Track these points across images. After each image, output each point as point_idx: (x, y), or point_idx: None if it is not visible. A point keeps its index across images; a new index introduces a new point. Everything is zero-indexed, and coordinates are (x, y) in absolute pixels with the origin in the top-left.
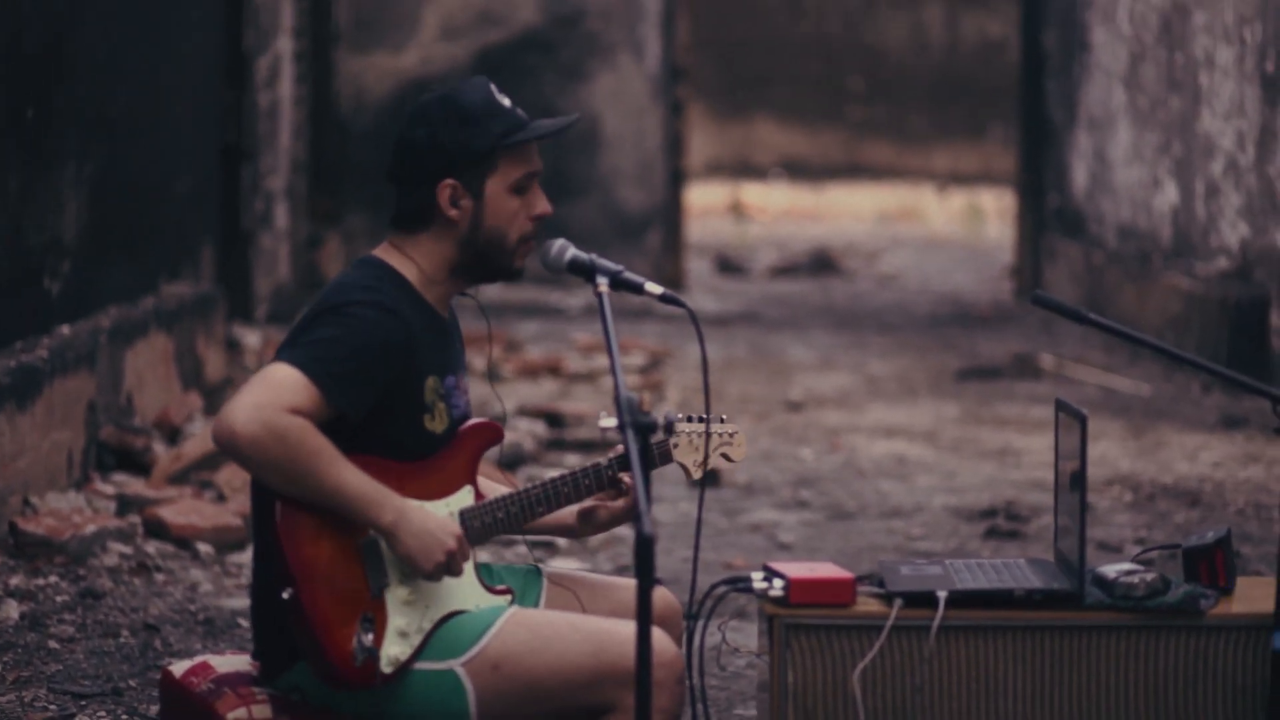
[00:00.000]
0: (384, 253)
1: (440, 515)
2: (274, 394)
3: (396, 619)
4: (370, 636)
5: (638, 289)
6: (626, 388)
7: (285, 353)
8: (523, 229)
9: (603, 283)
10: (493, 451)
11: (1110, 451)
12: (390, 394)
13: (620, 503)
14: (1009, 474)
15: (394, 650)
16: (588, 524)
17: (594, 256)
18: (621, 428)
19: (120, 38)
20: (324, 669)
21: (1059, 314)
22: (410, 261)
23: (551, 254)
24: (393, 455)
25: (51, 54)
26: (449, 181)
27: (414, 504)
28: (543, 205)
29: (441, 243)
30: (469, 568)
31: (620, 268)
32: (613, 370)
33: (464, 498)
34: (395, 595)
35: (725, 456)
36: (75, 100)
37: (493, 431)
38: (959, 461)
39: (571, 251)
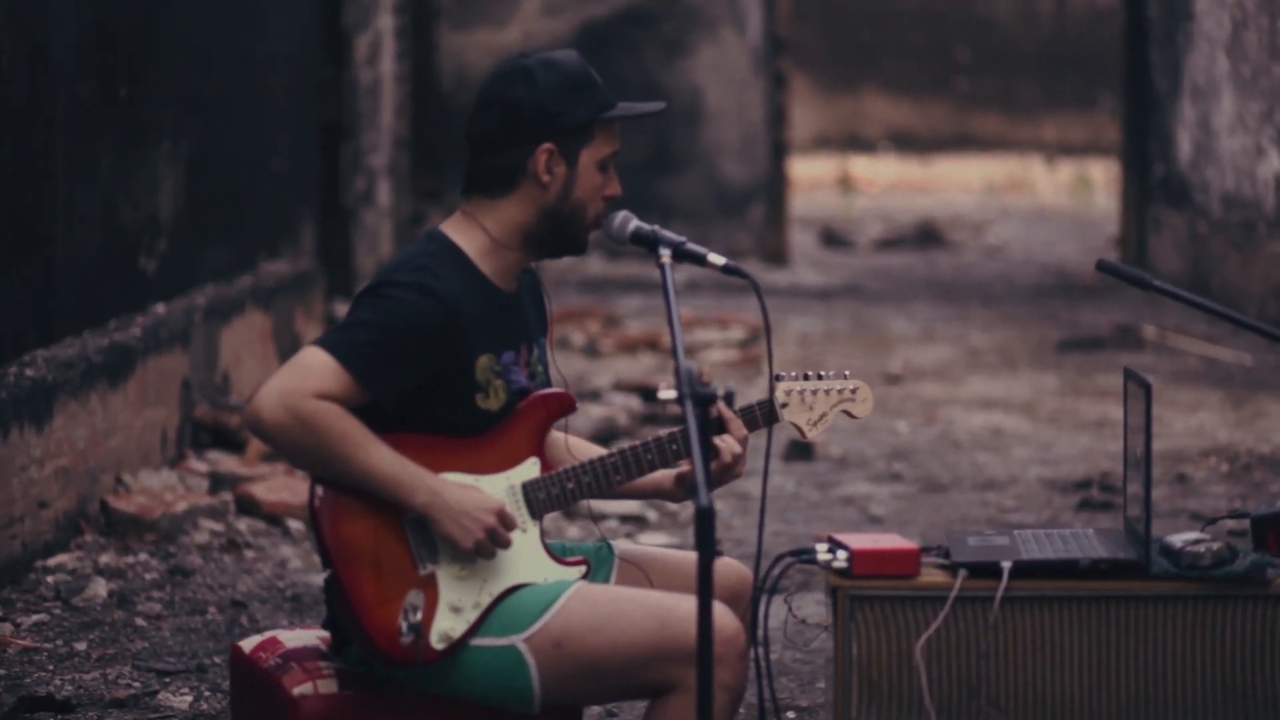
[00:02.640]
0: (451, 224)
1: (483, 492)
2: (302, 379)
3: (449, 594)
4: (419, 614)
5: (700, 260)
6: (686, 359)
7: (323, 335)
8: (599, 206)
9: (665, 253)
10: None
11: (1209, 422)
12: (437, 376)
13: (716, 464)
14: (1106, 445)
15: (445, 625)
16: (683, 487)
17: (657, 228)
18: (680, 399)
19: (216, 15)
20: (367, 647)
21: (1123, 280)
22: (480, 230)
23: (615, 226)
24: (444, 432)
25: (145, 31)
26: (548, 145)
27: (452, 482)
28: (616, 186)
29: (523, 208)
30: (534, 539)
31: (683, 239)
32: (673, 340)
33: (528, 470)
34: (447, 571)
35: (848, 413)
36: (170, 78)
37: (562, 402)
38: (1056, 433)
39: (634, 223)
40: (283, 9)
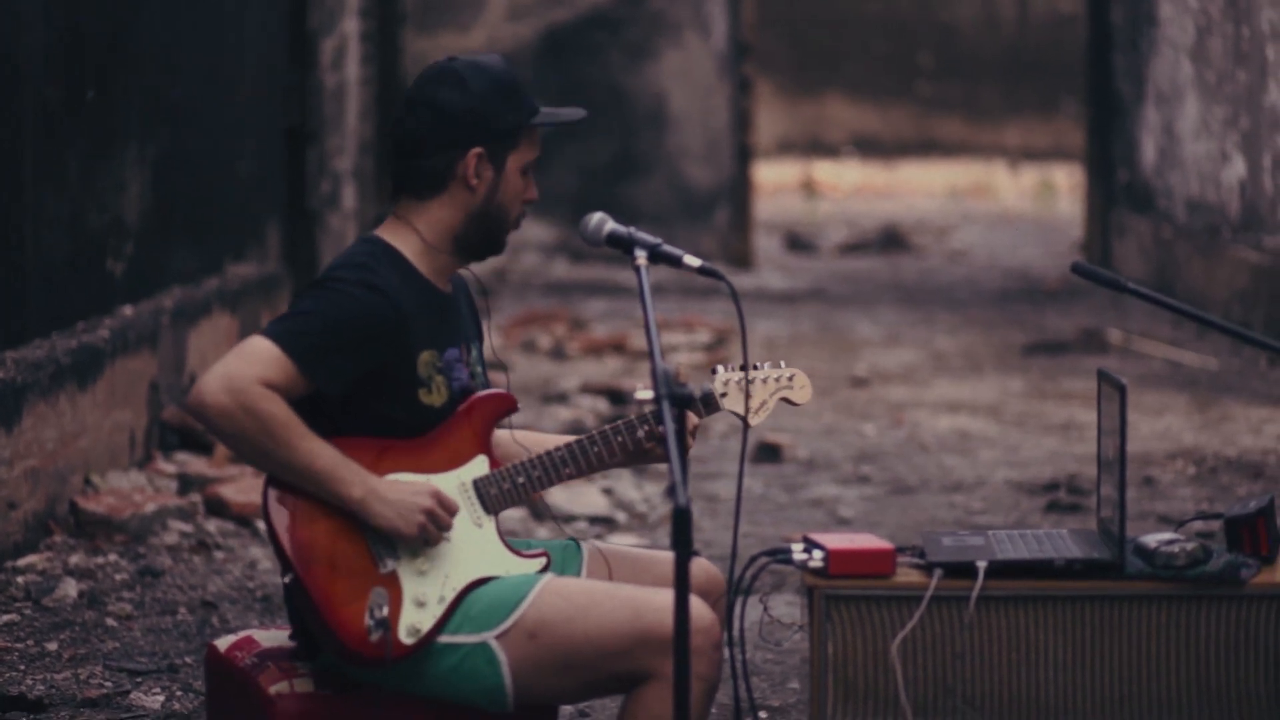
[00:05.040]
0: (385, 228)
1: (417, 481)
2: (247, 365)
3: (412, 589)
4: (384, 610)
5: (676, 262)
6: (664, 359)
7: (268, 325)
8: (519, 209)
9: (641, 255)
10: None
11: (1175, 425)
12: (382, 370)
13: (661, 447)
14: (1073, 448)
15: (412, 619)
16: (634, 457)
17: (632, 230)
18: (657, 400)
19: (183, 19)
20: (339, 649)
21: (1099, 283)
22: (413, 232)
23: (590, 227)
24: (389, 431)
25: (112, 36)
26: (477, 150)
27: (386, 477)
28: (534, 191)
29: (451, 210)
30: (492, 533)
31: (658, 240)
32: (649, 342)
33: (477, 467)
34: (408, 566)
35: (787, 400)
36: (137, 82)
37: (503, 401)
38: (1022, 436)
39: (610, 225)
40: (249, 13)
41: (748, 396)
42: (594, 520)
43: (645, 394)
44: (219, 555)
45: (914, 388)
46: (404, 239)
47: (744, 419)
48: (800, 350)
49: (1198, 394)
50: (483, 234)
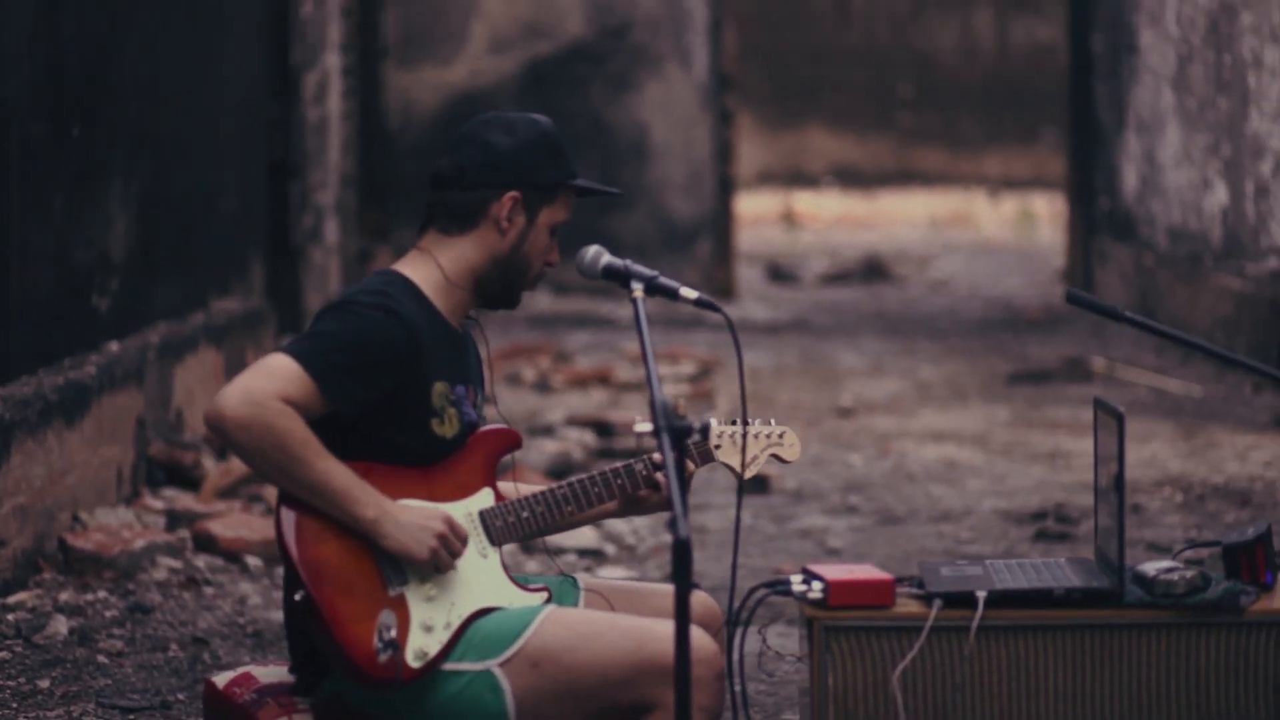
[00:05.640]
0: (404, 262)
1: (430, 506)
2: (268, 381)
3: (419, 614)
4: (392, 631)
5: (673, 294)
6: (662, 392)
7: (289, 343)
8: (539, 268)
9: (638, 288)
10: (506, 462)
11: (1161, 452)
12: (396, 396)
13: (658, 496)
14: (1059, 476)
15: (419, 643)
16: (629, 507)
17: (629, 262)
18: (657, 432)
19: (166, 55)
20: (348, 667)
21: (1094, 312)
22: (434, 265)
23: (587, 260)
24: (399, 459)
25: (96, 72)
26: (515, 194)
27: (400, 503)
28: (556, 254)
29: (477, 250)
30: (496, 565)
31: (655, 273)
32: (648, 375)
33: (483, 499)
34: (416, 591)
35: (777, 457)
36: (122, 118)
37: (509, 437)
38: (1009, 465)
39: (606, 258)
40: (232, 48)
41: (744, 443)
42: (583, 553)
43: (644, 427)
44: (209, 591)
45: (899, 417)
46: (424, 273)
47: (739, 474)
48: (785, 381)
49: (1183, 421)
50: (502, 281)
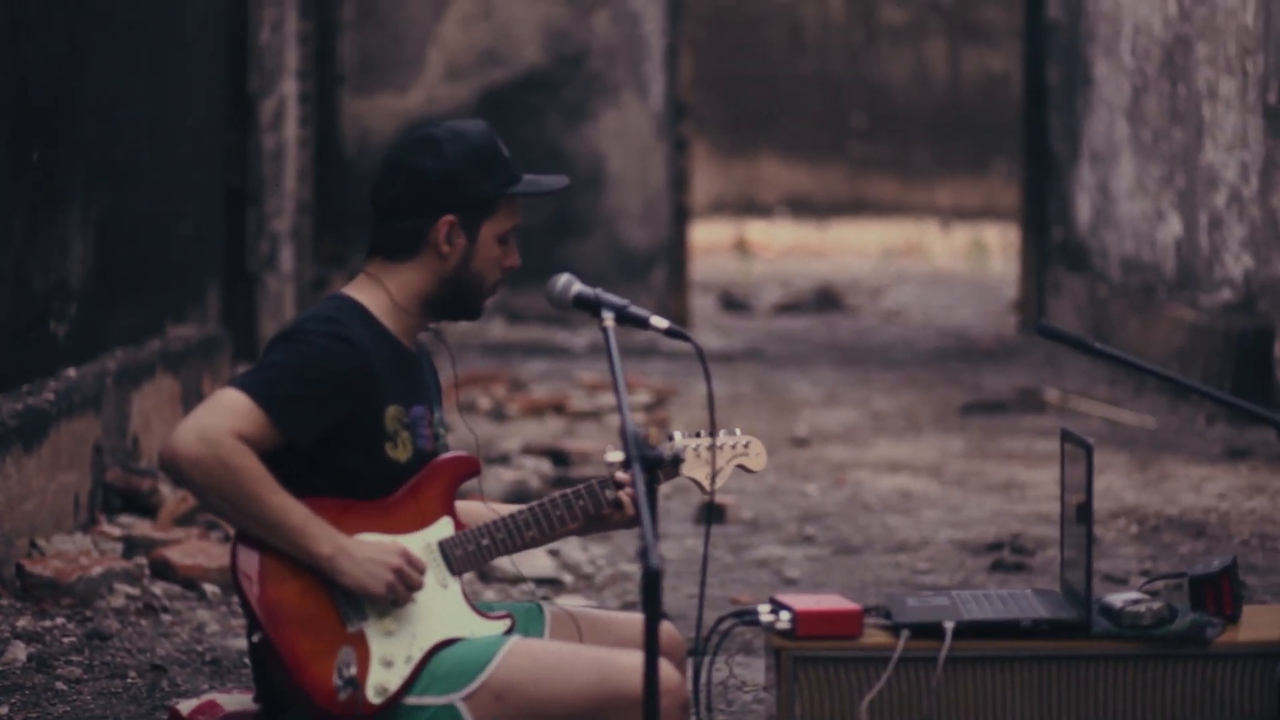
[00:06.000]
0: (354, 286)
1: (385, 541)
2: (219, 418)
3: (379, 649)
4: (352, 669)
5: (643, 323)
6: (633, 422)
7: (239, 377)
8: (496, 276)
9: (609, 317)
10: (471, 485)
11: (1115, 484)
12: (349, 422)
13: (620, 515)
14: (1014, 507)
15: (379, 679)
16: (591, 526)
17: (599, 291)
18: (628, 462)
19: (125, 81)
20: (308, 706)
21: (1065, 344)
22: (382, 290)
23: (557, 289)
24: (354, 487)
25: (57, 98)
26: (449, 218)
27: (357, 536)
28: (515, 258)
29: (422, 275)
30: (457, 595)
31: (626, 302)
32: (619, 405)
33: (442, 529)
34: (375, 627)
35: (743, 467)
36: (81, 144)
37: (467, 464)
38: (964, 495)
39: (577, 286)
40: (191, 74)
41: (714, 464)
42: (540, 582)
43: (615, 456)
44: (166, 618)
45: (854, 448)
46: (373, 297)
47: (706, 487)
48: (739, 410)
49: (1137, 452)
50: (455, 299)
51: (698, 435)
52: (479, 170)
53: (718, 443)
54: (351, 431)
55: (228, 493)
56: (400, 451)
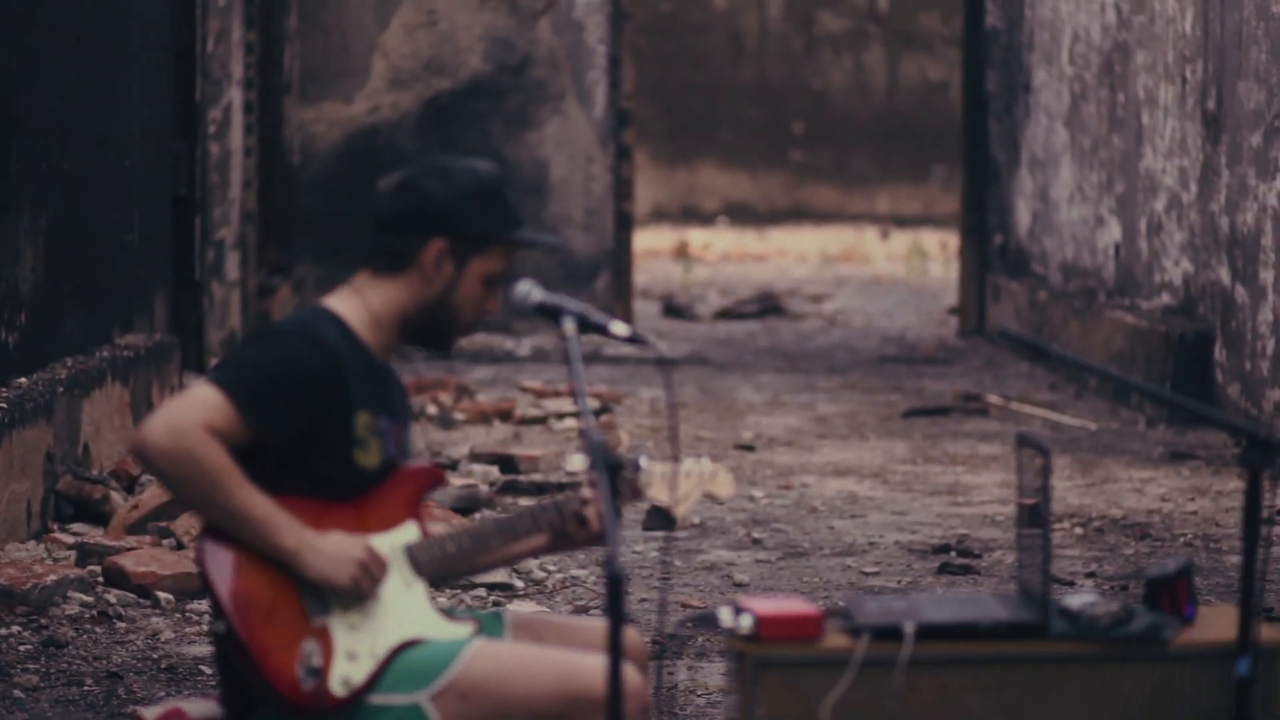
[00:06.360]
0: (336, 296)
1: (353, 538)
2: (191, 410)
3: (343, 642)
4: (316, 660)
5: (603, 330)
6: (596, 429)
7: (212, 371)
8: (474, 316)
9: (570, 325)
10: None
11: (1059, 486)
12: (320, 424)
13: (585, 533)
14: (960, 510)
15: (344, 671)
16: (556, 543)
17: (560, 298)
18: (593, 467)
19: (73, 91)
20: (272, 696)
21: (1024, 348)
22: (363, 303)
23: (518, 295)
24: (323, 490)
25: (5, 108)
26: (442, 243)
27: (320, 533)
28: (495, 304)
29: (405, 293)
30: (421, 597)
31: (585, 307)
32: (582, 412)
33: (408, 532)
34: (340, 620)
35: (710, 495)
36: (29, 153)
37: (433, 476)
38: (910, 499)
39: (538, 293)
40: (137, 84)
41: (638, 484)
42: (492, 587)
43: (577, 463)
44: (121, 626)
45: (800, 452)
46: (352, 307)
47: (670, 511)
48: (686, 416)
49: (1080, 456)
50: (430, 326)
51: (666, 461)
52: (481, 206)
53: (685, 470)
54: (322, 434)
55: (195, 484)
56: (369, 458)
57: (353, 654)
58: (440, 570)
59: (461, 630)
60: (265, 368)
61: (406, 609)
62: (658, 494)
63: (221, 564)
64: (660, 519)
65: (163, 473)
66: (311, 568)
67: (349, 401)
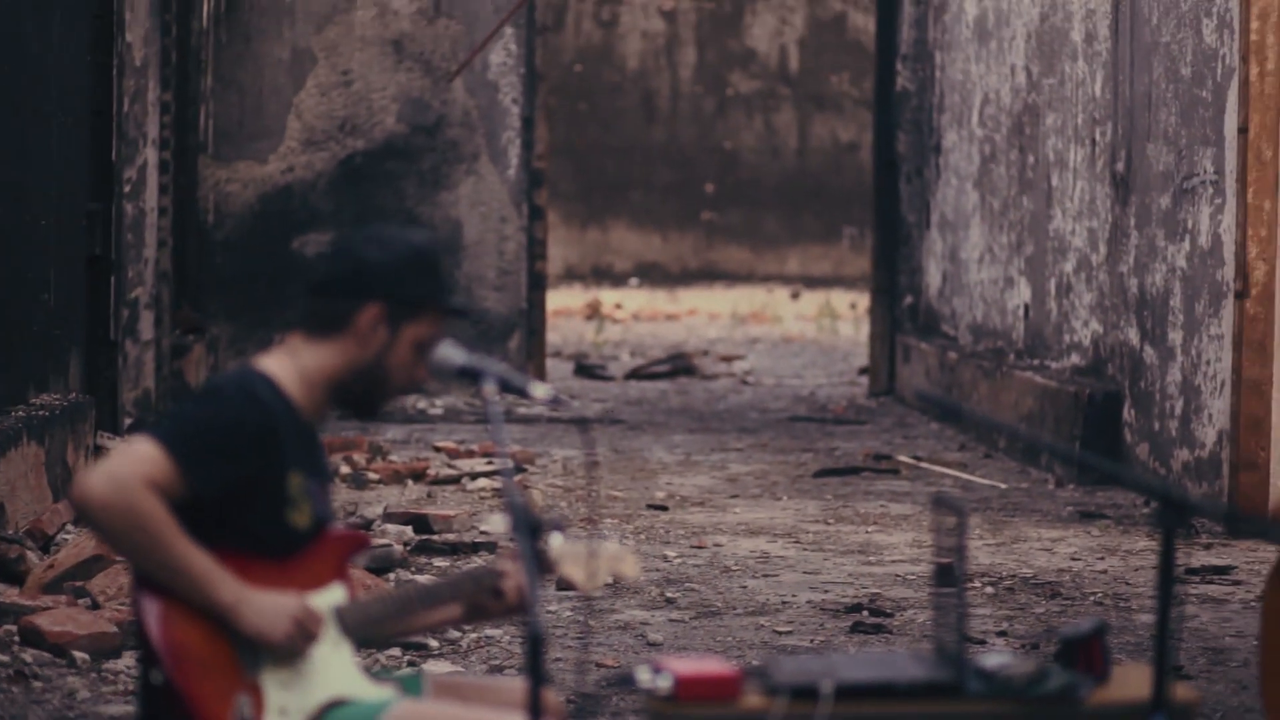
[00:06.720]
0: (269, 356)
1: (288, 596)
2: (132, 464)
3: (275, 698)
4: (249, 713)
5: (524, 393)
6: (517, 491)
7: (152, 426)
8: (402, 383)
9: (491, 388)
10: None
11: (970, 545)
12: (254, 482)
13: (501, 605)
14: (871, 569)
15: None
16: (473, 614)
17: (481, 360)
18: (515, 530)
19: None
20: None
21: (940, 409)
22: (295, 363)
23: (438, 358)
24: (255, 548)
25: None
26: (377, 307)
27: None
28: (424, 373)
29: (337, 357)
30: (348, 658)
31: (506, 370)
32: (504, 474)
33: (336, 594)
34: (272, 676)
35: (618, 575)
36: None
37: (360, 540)
38: (822, 558)
39: (459, 356)
40: (55, 143)
41: (550, 558)
42: (407, 647)
43: (496, 524)
44: (37, 685)
45: (712, 512)
46: (284, 368)
47: (581, 587)
48: (598, 475)
49: (990, 515)
50: (361, 390)
51: (577, 540)
52: (417, 272)
53: (596, 551)
54: (256, 492)
55: (134, 537)
56: (301, 517)
57: (284, 710)
58: (366, 632)
59: (386, 691)
60: (204, 424)
61: (334, 668)
62: (570, 571)
63: (157, 615)
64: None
65: (103, 526)
66: (248, 623)
67: (283, 461)
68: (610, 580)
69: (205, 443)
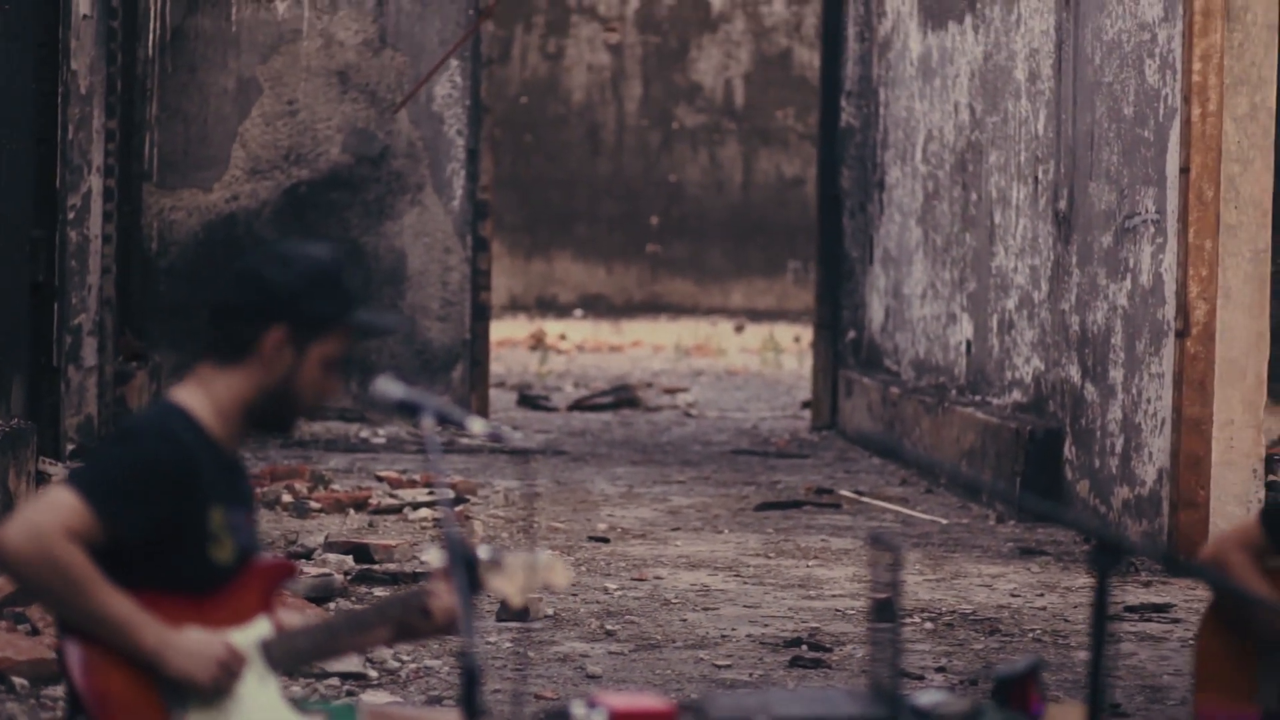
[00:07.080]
0: (183, 388)
1: (212, 636)
2: (49, 514)
3: None
4: None
5: (461, 425)
6: (454, 523)
7: (70, 475)
8: (313, 400)
9: (429, 422)
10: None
11: (909, 581)
12: (174, 522)
13: (429, 624)
14: (811, 604)
15: None
16: (402, 633)
17: (419, 394)
18: (451, 563)
19: None
20: None
21: (877, 450)
22: (207, 395)
23: (378, 392)
24: (178, 585)
25: None
26: (281, 329)
27: (180, 631)
28: (334, 388)
29: (246, 382)
30: (274, 692)
31: (444, 403)
32: (441, 506)
33: (261, 627)
34: (198, 716)
35: (548, 585)
36: None
37: (285, 569)
38: (762, 592)
39: (397, 390)
40: None
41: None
42: (346, 676)
43: (433, 557)
44: None
45: (653, 544)
46: (198, 400)
47: (514, 602)
48: (540, 507)
49: (930, 551)
50: (272, 412)
51: (503, 552)
52: (320, 291)
53: (523, 562)
54: (176, 530)
55: (55, 587)
56: (223, 552)
57: None
58: (293, 664)
59: None
60: (121, 469)
61: (261, 704)
62: (500, 585)
63: (82, 663)
64: (513, 611)
65: (23, 577)
66: (172, 666)
67: (203, 498)
68: (541, 591)
69: (122, 488)
